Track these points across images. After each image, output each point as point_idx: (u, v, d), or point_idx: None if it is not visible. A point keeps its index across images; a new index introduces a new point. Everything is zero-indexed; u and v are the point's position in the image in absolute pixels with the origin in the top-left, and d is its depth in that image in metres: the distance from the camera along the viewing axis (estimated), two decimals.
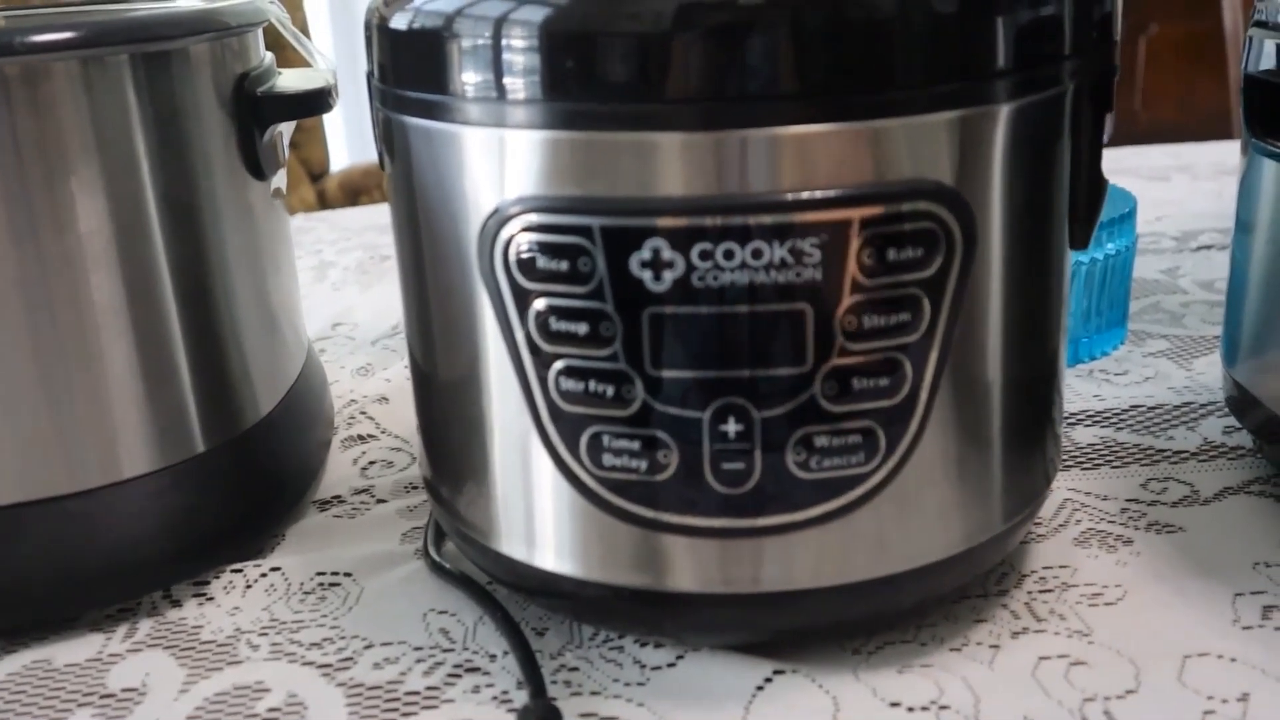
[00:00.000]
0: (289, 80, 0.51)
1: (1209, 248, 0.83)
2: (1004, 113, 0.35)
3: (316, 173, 2.04)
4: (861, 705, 0.38)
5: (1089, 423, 0.57)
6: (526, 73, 0.34)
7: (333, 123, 2.48)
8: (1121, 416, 0.57)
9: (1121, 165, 1.06)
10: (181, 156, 0.45)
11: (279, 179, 0.53)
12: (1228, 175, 1.02)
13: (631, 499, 0.37)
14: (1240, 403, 0.50)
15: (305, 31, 1.83)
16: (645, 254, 0.34)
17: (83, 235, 0.42)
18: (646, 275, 0.34)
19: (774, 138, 0.33)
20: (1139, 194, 0.67)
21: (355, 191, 1.99)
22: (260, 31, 0.51)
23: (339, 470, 0.56)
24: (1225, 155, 1.09)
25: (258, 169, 0.49)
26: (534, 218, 0.35)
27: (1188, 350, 0.65)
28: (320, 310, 0.81)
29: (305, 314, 0.59)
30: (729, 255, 0.33)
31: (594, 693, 0.40)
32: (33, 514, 0.43)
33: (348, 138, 2.64)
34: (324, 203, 1.98)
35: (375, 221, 1.04)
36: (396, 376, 0.68)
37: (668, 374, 0.35)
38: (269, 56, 0.52)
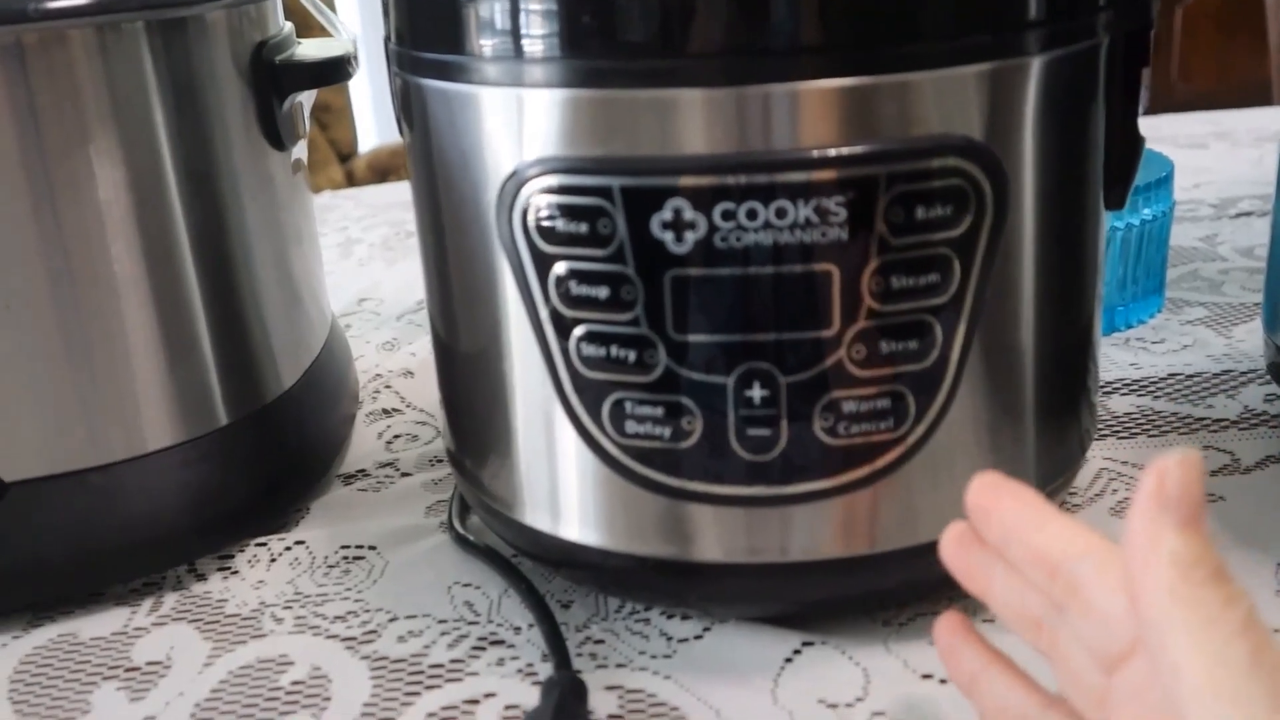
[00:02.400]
0: (308, 49, 0.50)
1: (1249, 214, 0.81)
2: (1036, 65, 0.34)
3: (345, 153, 2.04)
4: (892, 677, 0.38)
5: (1125, 391, 0.56)
6: (544, 30, 0.33)
7: (361, 103, 2.48)
8: (1159, 384, 0.56)
9: (1159, 133, 1.04)
10: (200, 125, 0.44)
11: (299, 150, 0.52)
12: (1268, 142, 1.00)
13: (655, 467, 0.36)
14: None
15: (331, 6, 1.83)
16: (666, 214, 0.33)
17: (101, 204, 0.41)
18: (668, 236, 0.33)
19: (798, 92, 0.32)
20: (1177, 161, 0.65)
21: (384, 171, 1.99)
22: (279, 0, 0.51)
23: (364, 444, 0.56)
24: (1265, 122, 1.07)
25: (277, 139, 0.48)
26: (553, 179, 0.34)
27: (1227, 317, 0.64)
28: (346, 286, 0.80)
29: (331, 290, 0.59)
30: (752, 215, 0.33)
31: (620, 665, 0.39)
32: (56, 488, 0.43)
33: (376, 118, 2.64)
34: (352, 182, 1.97)
35: (400, 198, 1.04)
36: (421, 351, 0.67)
37: (691, 338, 0.34)
38: (288, 25, 0.51)
